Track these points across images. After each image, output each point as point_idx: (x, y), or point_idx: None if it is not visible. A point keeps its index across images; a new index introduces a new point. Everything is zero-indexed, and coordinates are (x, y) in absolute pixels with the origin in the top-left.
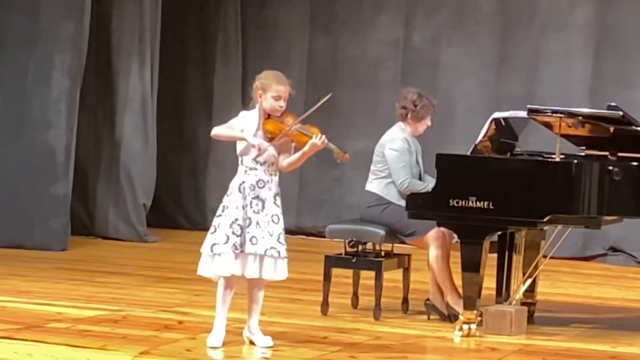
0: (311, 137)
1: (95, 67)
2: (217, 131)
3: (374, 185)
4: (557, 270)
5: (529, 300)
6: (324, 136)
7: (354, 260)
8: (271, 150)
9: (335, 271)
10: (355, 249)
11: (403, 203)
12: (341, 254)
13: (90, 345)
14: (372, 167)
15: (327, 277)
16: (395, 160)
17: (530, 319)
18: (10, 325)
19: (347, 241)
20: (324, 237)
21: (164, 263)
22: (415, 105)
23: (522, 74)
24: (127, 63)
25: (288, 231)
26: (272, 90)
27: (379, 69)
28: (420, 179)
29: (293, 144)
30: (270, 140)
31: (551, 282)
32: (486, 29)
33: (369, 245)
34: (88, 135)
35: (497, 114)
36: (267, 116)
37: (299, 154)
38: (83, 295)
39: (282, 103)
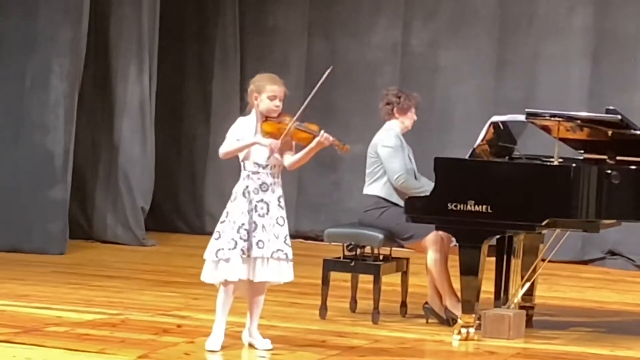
0: (310, 134)
1: (93, 71)
2: (225, 149)
3: (372, 187)
4: (556, 274)
5: (528, 304)
6: (326, 134)
7: (352, 264)
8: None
9: (333, 275)
10: (353, 253)
11: (402, 203)
12: (339, 258)
13: (89, 349)
14: (367, 170)
15: (325, 281)
16: (389, 156)
17: (529, 323)
18: (8, 329)
19: (345, 245)
20: (322, 240)
21: (163, 267)
22: (399, 97)
23: (520, 77)
24: (125, 67)
25: None
26: (266, 90)
27: (377, 73)
28: (414, 178)
29: (294, 142)
30: None
31: (549, 285)
32: (484, 33)
33: (368, 249)
34: (86, 139)
35: (495, 118)
36: (265, 119)
37: (304, 151)
38: (81, 299)
39: (278, 102)
